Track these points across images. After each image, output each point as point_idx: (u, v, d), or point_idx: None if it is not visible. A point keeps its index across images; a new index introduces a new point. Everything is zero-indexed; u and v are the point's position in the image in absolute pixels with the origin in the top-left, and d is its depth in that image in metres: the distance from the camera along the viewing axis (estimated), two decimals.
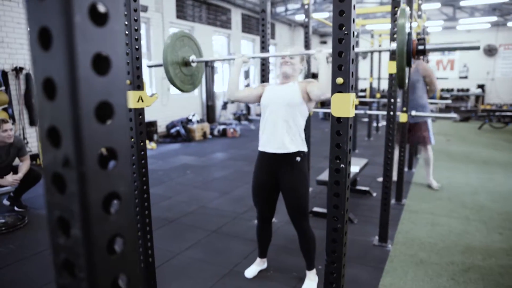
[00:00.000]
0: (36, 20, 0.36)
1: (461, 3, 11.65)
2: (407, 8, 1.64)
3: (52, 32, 0.35)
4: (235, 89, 2.52)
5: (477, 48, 1.57)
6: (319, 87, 2.24)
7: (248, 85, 9.56)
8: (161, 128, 9.11)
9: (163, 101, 9.38)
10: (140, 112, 2.05)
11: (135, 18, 2.01)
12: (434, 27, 14.45)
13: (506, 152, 7.22)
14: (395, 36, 2.83)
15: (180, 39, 2.45)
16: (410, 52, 1.62)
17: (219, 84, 11.16)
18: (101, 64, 0.37)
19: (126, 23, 1.99)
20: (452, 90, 16.20)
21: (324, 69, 2.17)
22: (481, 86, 15.91)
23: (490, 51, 16.03)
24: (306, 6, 4.16)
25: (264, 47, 3.34)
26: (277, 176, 2.39)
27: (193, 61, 2.50)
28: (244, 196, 4.38)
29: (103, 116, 0.38)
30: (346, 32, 1.34)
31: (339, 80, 1.36)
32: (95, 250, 0.38)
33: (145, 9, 8.66)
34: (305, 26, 4.24)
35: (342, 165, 1.41)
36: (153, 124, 8.31)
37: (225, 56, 2.36)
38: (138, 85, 2.02)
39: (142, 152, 2.08)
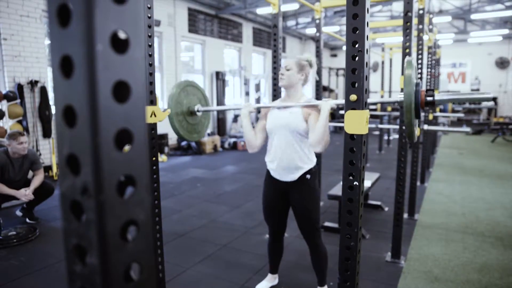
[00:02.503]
0: (59, 47, 0.36)
1: (472, 16, 11.61)
2: (414, 60, 1.60)
3: (74, 60, 0.35)
4: (254, 142, 2.34)
5: (490, 99, 1.55)
6: (313, 138, 2.11)
7: (258, 111, 9.64)
8: (172, 140, 9.17)
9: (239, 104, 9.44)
10: (152, 127, 2.06)
11: (149, 34, 2.03)
12: (445, 40, 14.39)
13: None
14: (407, 51, 2.82)
15: (184, 90, 2.41)
16: (418, 104, 1.55)
17: (229, 97, 11.22)
18: (121, 91, 0.37)
19: None
20: (464, 103, 16.04)
21: (323, 121, 2.06)
22: (493, 99, 15.73)
23: (502, 63, 15.89)
24: (317, 21, 4.18)
25: (275, 62, 3.35)
26: (287, 195, 2.36)
27: (198, 111, 2.45)
28: (255, 210, 4.36)
29: (122, 144, 0.38)
30: (359, 49, 1.33)
31: (353, 97, 1.35)
32: (112, 279, 0.38)
33: (158, 23, 8.80)
34: (316, 40, 4.26)
35: (355, 183, 1.40)
36: (164, 136, 8.37)
37: (232, 106, 2.37)
38: (151, 100, 2.04)
39: (154, 167, 2.09)
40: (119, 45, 0.37)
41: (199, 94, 2.53)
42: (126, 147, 0.38)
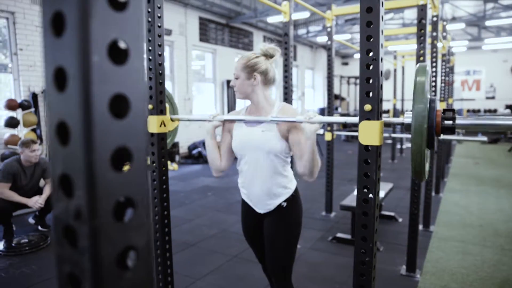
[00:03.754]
0: (52, 58, 0.33)
1: (487, 23, 11.46)
2: (428, 66, 1.33)
3: (68, 72, 0.32)
4: (218, 164, 1.91)
5: None
6: (302, 170, 1.69)
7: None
8: (183, 149, 9.18)
9: (185, 122, 9.46)
10: (162, 136, 2.04)
11: (159, 43, 2.02)
12: (458, 47, 14.22)
13: None
14: (421, 58, 2.77)
15: None
16: (433, 129, 1.25)
17: (240, 105, 11.22)
18: (119, 105, 0.34)
19: (150, 48, 2.00)
20: (478, 111, 15.80)
21: (310, 149, 1.62)
22: (509, 107, 15.45)
23: None
24: (328, 29, 4.16)
25: (287, 70, 3.32)
26: (263, 223, 1.90)
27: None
28: None
29: (120, 163, 0.34)
30: (374, 57, 1.29)
31: (367, 107, 1.30)
32: None
33: (169, 32, 8.88)
34: (327, 48, 4.22)
35: (370, 195, 1.35)
36: (175, 145, 8.38)
37: (200, 117, 1.99)
38: (161, 109, 2.02)
39: (164, 177, 2.06)
40: (118, 56, 0.34)
41: (166, 102, 2.18)
42: (125, 167, 0.35)
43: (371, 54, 1.30)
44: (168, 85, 9.47)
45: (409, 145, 11.99)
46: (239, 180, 1.90)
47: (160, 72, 2.03)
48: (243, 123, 1.83)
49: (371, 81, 1.31)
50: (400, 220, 4.31)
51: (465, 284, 2.86)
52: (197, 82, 10.48)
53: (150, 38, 2.01)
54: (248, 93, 1.81)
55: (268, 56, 1.84)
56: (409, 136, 4.37)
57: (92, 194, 0.32)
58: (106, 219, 0.33)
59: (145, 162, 0.36)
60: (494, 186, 6.06)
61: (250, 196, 1.85)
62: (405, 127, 1.31)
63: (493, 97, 16.11)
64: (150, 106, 2.01)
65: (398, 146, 9.86)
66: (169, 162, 7.91)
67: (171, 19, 9.00)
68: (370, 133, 1.31)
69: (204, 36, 10.14)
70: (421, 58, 2.74)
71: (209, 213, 4.69)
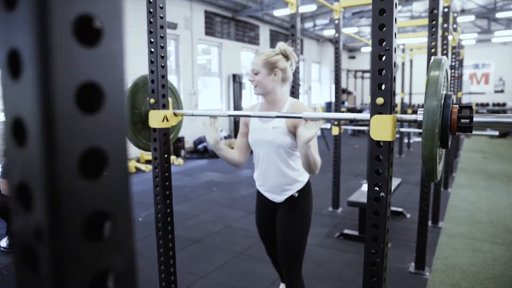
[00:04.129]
0: (5, 38, 0.27)
1: (497, 15, 11.24)
2: (445, 59, 1.22)
3: (22, 55, 0.26)
4: (237, 161, 2.02)
5: None
6: (303, 166, 1.75)
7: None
8: (189, 144, 9.14)
9: (191, 117, 9.42)
10: (165, 132, 1.97)
11: (161, 35, 1.95)
12: (467, 40, 13.99)
13: None
14: (432, 50, 2.67)
15: (144, 88, 2.05)
16: (447, 127, 1.17)
17: (246, 100, 11.15)
18: (89, 97, 0.27)
19: (152, 40, 1.94)
20: (487, 104, 15.58)
21: (304, 153, 1.65)
22: None
23: None
24: (336, 21, 4.06)
25: None
26: (276, 213, 2.01)
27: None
28: None
29: (91, 169, 0.28)
30: (387, 47, 1.22)
31: (380, 100, 1.23)
32: None
33: (174, 26, 8.80)
34: (335, 41, 4.13)
35: (382, 194, 1.27)
36: (180, 140, 8.34)
37: (205, 112, 1.92)
38: (163, 104, 1.96)
39: (167, 174, 2.00)
40: (88, 35, 0.27)
41: (170, 95, 2.13)
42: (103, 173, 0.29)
43: (384, 44, 1.22)
44: (173, 79, 9.42)
45: (417, 139, 11.87)
46: (255, 173, 2.02)
47: (163, 65, 1.96)
48: (258, 120, 1.91)
49: (383, 72, 1.23)
50: (409, 216, 4.23)
51: (475, 283, 2.78)
52: (203, 77, 10.41)
53: (151, 30, 1.94)
54: (269, 89, 1.86)
55: (286, 56, 1.91)
56: (417, 130, 4.31)
57: (55, 208, 0.26)
58: (74, 239, 0.27)
59: (125, 166, 0.30)
60: (503, 181, 5.95)
61: (266, 187, 1.96)
62: (418, 125, 1.23)
63: (502, 91, 15.88)
64: (152, 100, 1.94)
65: (406, 140, 9.74)
66: (174, 157, 7.88)
67: (176, 12, 8.92)
68: (382, 128, 1.24)
69: (209, 30, 10.05)
70: (433, 50, 2.65)
71: (214, 208, 4.64)
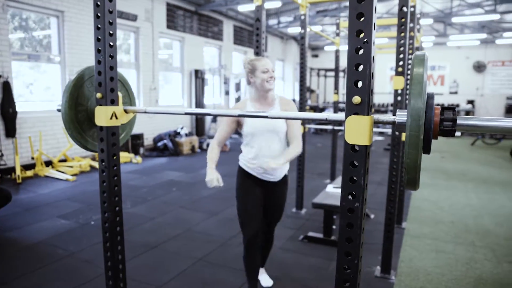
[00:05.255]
0: None
1: (453, 20, 11.64)
2: (426, 54, 1.08)
3: None
4: (215, 154, 2.37)
5: None
6: (291, 145, 2.31)
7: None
8: (148, 141, 8.77)
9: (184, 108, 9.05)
10: (113, 131, 1.75)
11: (110, 20, 1.72)
12: (426, 43, 14.44)
13: (503, 170, 7.06)
14: (401, 49, 2.59)
15: (91, 81, 1.84)
16: (430, 131, 1.05)
17: (209, 96, 10.89)
18: None
19: (99, 26, 1.70)
20: (443, 105, 16.18)
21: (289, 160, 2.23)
22: (471, 102, 15.95)
23: (479, 67, 16.12)
24: (302, 17, 3.94)
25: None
26: (267, 193, 2.39)
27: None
28: (233, 217, 4.07)
29: None
30: (365, 40, 1.07)
31: (356, 99, 1.08)
32: None
33: (134, 18, 8.40)
34: (301, 37, 4.01)
35: (357, 204, 1.13)
36: (139, 137, 7.98)
37: (162, 109, 1.76)
38: (112, 99, 1.73)
39: (116, 178, 1.78)
40: None
41: (121, 89, 1.96)
42: None
43: (361, 35, 1.07)
44: (132, 74, 9.00)
45: (377, 138, 12.07)
46: (247, 155, 2.31)
47: (111, 55, 1.73)
48: (255, 111, 2.21)
49: (361, 68, 1.08)
50: (372, 216, 4.20)
51: (440, 285, 2.75)
52: (164, 71, 10.05)
53: (98, 14, 1.71)
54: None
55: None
56: (381, 130, 4.29)
57: None
58: None
59: None
60: (461, 180, 6.11)
61: (263, 169, 2.26)
62: (397, 128, 1.10)
63: (456, 92, 16.56)
64: (99, 95, 1.71)
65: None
66: (132, 155, 7.52)
67: (137, 4, 8.52)
68: (358, 130, 1.09)
69: (171, 23, 9.70)
70: (401, 49, 2.57)
71: (173, 210, 4.40)
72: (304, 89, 4.06)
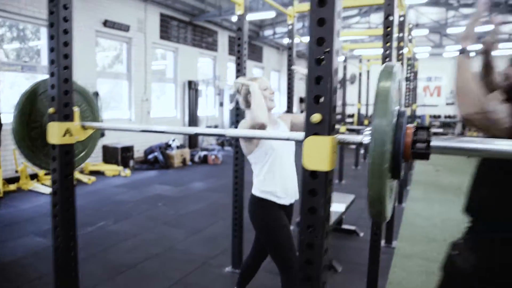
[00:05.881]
0: None
1: (448, 30, 11.61)
2: (398, 67, 0.98)
3: None
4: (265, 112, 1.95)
5: None
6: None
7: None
8: (139, 153, 8.61)
9: (142, 125, 8.91)
10: (67, 149, 1.60)
11: (66, 29, 1.59)
12: (421, 54, 14.40)
13: None
14: (387, 60, 2.47)
15: (45, 95, 1.69)
16: (399, 154, 0.94)
17: (202, 108, 10.76)
18: None
19: (53, 35, 1.57)
20: (439, 116, 16.12)
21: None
22: None
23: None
24: (290, 26, 3.84)
25: (239, 70, 2.95)
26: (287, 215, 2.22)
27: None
28: (217, 235, 3.90)
29: None
30: (327, 49, 0.93)
31: (316, 117, 0.94)
32: None
33: (126, 28, 8.31)
34: (288, 47, 3.90)
35: (316, 238, 0.98)
36: (129, 149, 7.81)
37: (122, 126, 1.64)
38: (66, 114, 1.59)
39: (70, 199, 1.63)
40: None
41: (81, 102, 1.82)
42: None
43: (323, 44, 0.94)
44: (124, 85, 8.88)
45: None
46: (268, 188, 2.07)
47: (66, 66, 1.59)
48: (270, 126, 2.13)
49: (322, 82, 0.95)
50: (362, 234, 4.03)
51: None
52: (158, 83, 9.94)
53: (53, 22, 1.57)
54: None
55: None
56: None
57: None
58: None
59: None
60: (456, 195, 5.94)
61: (287, 192, 2.11)
62: (364, 148, 0.96)
63: (452, 103, 16.48)
64: (51, 110, 1.57)
65: (362, 150, 9.73)
66: (121, 168, 7.35)
67: (129, 14, 8.44)
68: (318, 154, 0.95)
69: (165, 34, 9.62)
70: (387, 59, 2.45)
71: (157, 227, 4.23)
72: (292, 100, 3.94)
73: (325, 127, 0.94)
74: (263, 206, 2.09)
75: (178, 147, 8.49)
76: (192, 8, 10.02)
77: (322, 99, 0.95)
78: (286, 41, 13.69)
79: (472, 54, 1.38)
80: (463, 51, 1.39)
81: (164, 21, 9.57)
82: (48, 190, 5.61)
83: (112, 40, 8.47)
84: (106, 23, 7.71)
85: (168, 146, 8.41)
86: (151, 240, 3.80)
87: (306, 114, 0.97)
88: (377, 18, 11.95)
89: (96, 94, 7.51)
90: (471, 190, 1.48)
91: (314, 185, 0.97)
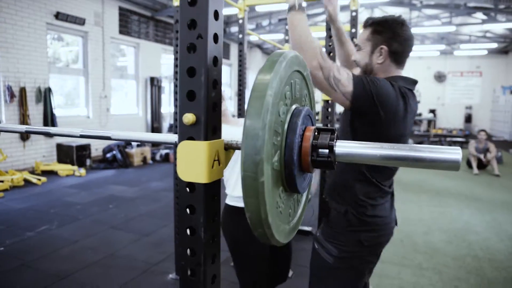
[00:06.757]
0: None
1: (413, 30, 11.75)
2: (294, 54, 0.82)
3: None
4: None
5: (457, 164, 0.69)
6: None
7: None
8: (98, 151, 8.24)
9: (101, 122, 8.55)
10: None
11: None
12: None
13: (458, 181, 7.00)
14: (330, 55, 2.33)
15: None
16: (292, 163, 0.77)
17: (165, 104, 10.45)
18: None
19: None
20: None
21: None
22: (432, 111, 16.20)
23: (440, 77, 16.47)
24: (240, 21, 3.66)
25: (177, 65, 2.74)
26: None
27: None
28: (165, 239, 3.68)
29: None
30: (199, 33, 0.76)
31: (188, 117, 0.76)
32: None
33: (82, 22, 7.90)
34: (239, 43, 3.72)
35: (198, 265, 0.81)
36: (85, 148, 7.45)
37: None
38: None
39: None
40: None
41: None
42: None
43: (195, 28, 0.76)
44: (81, 81, 8.47)
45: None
46: (240, 192, 1.85)
47: None
48: None
49: (196, 73, 0.77)
50: (318, 234, 3.91)
51: None
52: (117, 79, 9.55)
53: None
54: None
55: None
56: None
57: None
58: None
59: None
60: (416, 192, 5.96)
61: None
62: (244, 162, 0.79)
63: (418, 102, 16.80)
64: None
65: None
66: (76, 168, 6.98)
67: (84, 6, 8.03)
68: (194, 162, 0.77)
69: (124, 29, 9.24)
70: (331, 54, 2.31)
71: (102, 231, 3.97)
72: (243, 96, 3.76)
73: (200, 130, 0.76)
74: (237, 215, 1.89)
75: (138, 145, 8.18)
76: (154, 2, 9.67)
77: (196, 95, 0.77)
78: (254, 38, 13.55)
79: (304, 5, 1.38)
80: (293, 7, 1.36)
81: (124, 15, 9.20)
82: (39, 180, 5.23)
83: (65, 34, 8.05)
84: (58, 16, 7.29)
85: (128, 144, 8.08)
86: (93, 247, 3.55)
87: (178, 114, 0.79)
88: (345, 16, 11.94)
89: (49, 90, 7.11)
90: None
91: (192, 200, 0.79)
